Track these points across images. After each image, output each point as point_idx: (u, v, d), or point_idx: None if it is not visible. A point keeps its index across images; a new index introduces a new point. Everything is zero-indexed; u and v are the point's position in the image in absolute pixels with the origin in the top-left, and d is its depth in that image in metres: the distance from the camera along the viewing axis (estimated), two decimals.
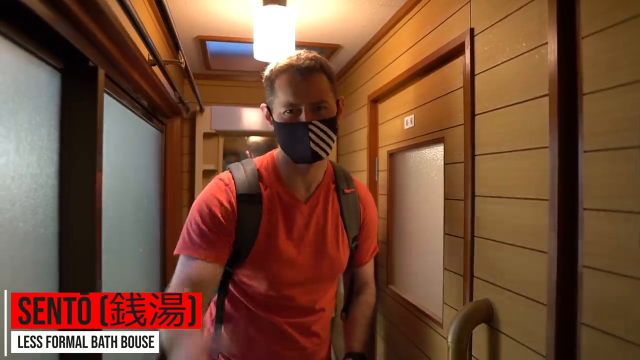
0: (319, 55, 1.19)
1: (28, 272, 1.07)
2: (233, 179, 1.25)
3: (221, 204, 1.19)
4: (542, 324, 1.12)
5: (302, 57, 1.16)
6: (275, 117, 1.20)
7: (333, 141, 1.20)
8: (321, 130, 1.16)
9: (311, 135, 1.15)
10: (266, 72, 1.22)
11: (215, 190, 1.22)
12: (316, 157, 1.19)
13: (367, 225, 1.42)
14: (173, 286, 1.13)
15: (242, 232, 1.21)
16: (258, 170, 1.28)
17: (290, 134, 1.18)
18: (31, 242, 1.08)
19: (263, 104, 1.27)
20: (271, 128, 1.25)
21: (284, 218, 1.26)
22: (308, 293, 1.31)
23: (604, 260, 0.96)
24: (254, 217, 1.22)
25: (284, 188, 1.27)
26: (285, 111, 1.16)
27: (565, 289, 1.05)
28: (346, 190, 1.36)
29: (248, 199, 1.22)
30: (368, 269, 1.49)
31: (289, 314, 1.30)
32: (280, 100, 1.17)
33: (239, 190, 1.22)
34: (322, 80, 1.17)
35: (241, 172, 1.27)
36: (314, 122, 1.15)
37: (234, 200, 1.21)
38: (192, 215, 1.20)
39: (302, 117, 1.15)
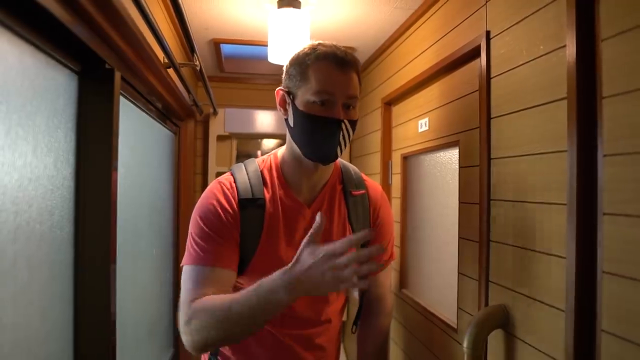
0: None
1: (44, 273, 1.07)
2: (235, 182, 1.17)
3: (224, 208, 1.13)
4: (560, 330, 1.10)
5: (342, 49, 1.10)
6: (301, 105, 1.09)
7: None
8: (347, 131, 1.10)
9: (341, 134, 1.08)
10: (298, 55, 1.12)
11: (216, 194, 1.15)
12: (334, 159, 1.14)
13: (379, 229, 1.31)
14: (185, 301, 1.04)
15: (244, 239, 1.14)
16: (261, 172, 1.21)
17: (318, 129, 1.08)
18: (47, 243, 1.09)
19: (280, 88, 1.16)
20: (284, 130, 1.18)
21: (285, 223, 1.18)
22: (311, 303, 1.22)
23: (625, 266, 0.94)
24: (256, 223, 1.15)
25: (286, 191, 1.19)
26: (316, 101, 1.07)
27: (584, 295, 1.03)
28: (354, 192, 1.26)
29: (250, 204, 1.15)
30: (382, 280, 1.36)
31: (290, 325, 1.20)
32: (313, 87, 1.07)
33: (241, 194, 1.15)
34: (356, 78, 1.11)
35: (243, 174, 1.19)
36: (345, 120, 1.08)
37: (236, 206, 1.14)
38: (196, 223, 1.13)
39: (337, 113, 1.06)
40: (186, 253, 1.13)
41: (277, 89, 1.18)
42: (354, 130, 1.13)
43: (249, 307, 0.94)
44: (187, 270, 1.10)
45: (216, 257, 1.09)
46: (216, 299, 1.01)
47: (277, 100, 1.18)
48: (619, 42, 0.97)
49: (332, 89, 1.06)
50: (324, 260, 0.88)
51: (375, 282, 1.35)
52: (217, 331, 0.98)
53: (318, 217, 0.93)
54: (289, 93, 1.13)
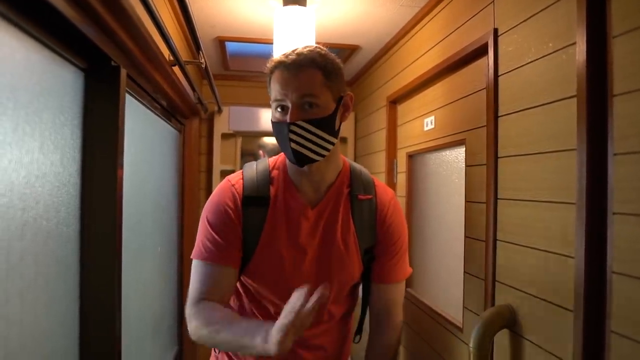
0: (315, 50, 1.11)
1: (50, 269, 1.07)
2: (242, 179, 1.21)
3: (227, 207, 1.17)
4: (568, 330, 1.09)
5: (295, 52, 1.10)
6: (272, 114, 1.16)
7: (329, 142, 1.11)
8: (307, 130, 1.08)
9: (292, 136, 1.08)
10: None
11: (222, 192, 1.20)
12: (303, 160, 1.11)
13: (386, 236, 1.25)
14: (191, 294, 1.16)
15: (246, 236, 1.17)
16: (270, 170, 1.23)
17: (276, 134, 1.14)
18: (54, 239, 1.09)
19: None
20: None
21: (288, 222, 1.19)
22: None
23: (635, 266, 0.93)
24: (258, 221, 1.18)
25: (291, 191, 1.20)
26: (276, 107, 1.11)
27: (593, 295, 1.02)
28: (360, 196, 1.24)
29: (253, 202, 1.18)
30: (392, 294, 1.30)
31: None
32: (272, 97, 1.12)
33: (246, 192, 1.18)
34: (313, 75, 1.08)
35: (252, 172, 1.23)
36: (297, 122, 1.07)
37: (239, 203, 1.17)
38: (203, 220, 1.19)
39: (286, 117, 1.08)
40: (195, 246, 1.19)
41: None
42: (322, 127, 1.10)
43: (233, 340, 1.05)
44: (194, 265, 1.18)
45: (220, 256, 1.16)
46: (214, 315, 1.11)
47: None
48: (630, 39, 0.96)
49: (283, 94, 1.09)
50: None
51: (385, 293, 1.30)
52: (205, 340, 1.11)
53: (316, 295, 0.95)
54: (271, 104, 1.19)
